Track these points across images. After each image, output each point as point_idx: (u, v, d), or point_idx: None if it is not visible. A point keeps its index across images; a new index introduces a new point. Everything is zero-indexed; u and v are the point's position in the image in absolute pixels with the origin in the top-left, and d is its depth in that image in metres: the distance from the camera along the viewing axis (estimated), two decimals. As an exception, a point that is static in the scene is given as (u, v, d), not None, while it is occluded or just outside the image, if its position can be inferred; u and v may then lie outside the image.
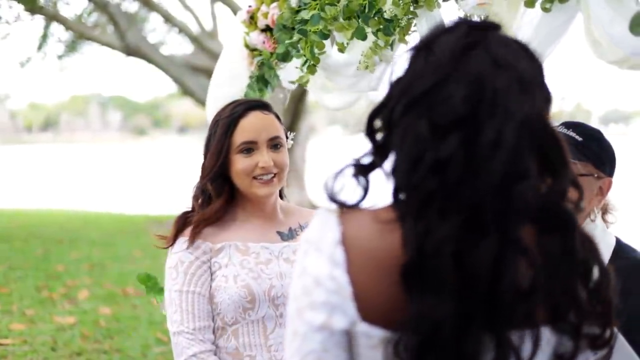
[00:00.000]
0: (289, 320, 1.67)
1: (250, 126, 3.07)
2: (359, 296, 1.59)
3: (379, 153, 1.69)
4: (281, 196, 3.35)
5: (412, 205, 1.58)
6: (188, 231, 3.08)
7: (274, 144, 3.10)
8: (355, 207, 1.69)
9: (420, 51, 1.68)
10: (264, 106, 3.17)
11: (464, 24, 1.69)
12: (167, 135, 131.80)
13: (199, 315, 3.00)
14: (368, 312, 1.59)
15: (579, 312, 1.65)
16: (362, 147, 1.73)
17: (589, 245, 1.70)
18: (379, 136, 1.71)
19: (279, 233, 3.18)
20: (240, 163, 3.05)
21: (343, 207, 1.69)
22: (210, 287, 3.04)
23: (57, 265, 13.01)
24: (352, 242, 1.61)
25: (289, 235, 3.19)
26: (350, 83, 3.84)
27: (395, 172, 1.64)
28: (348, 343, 1.62)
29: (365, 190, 1.70)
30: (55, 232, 17.62)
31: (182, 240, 3.07)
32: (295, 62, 3.93)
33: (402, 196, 1.62)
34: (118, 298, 10.51)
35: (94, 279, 11.79)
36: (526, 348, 1.60)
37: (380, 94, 1.74)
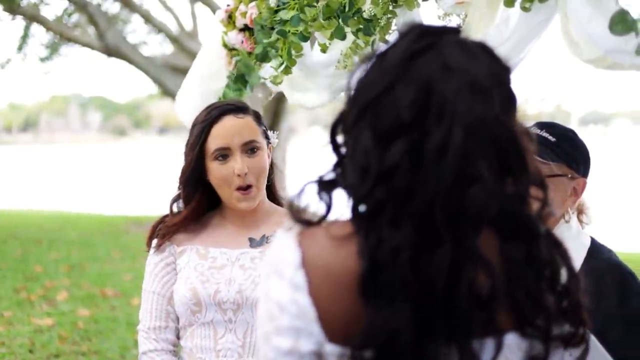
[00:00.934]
0: (258, 343, 1.65)
1: (222, 132, 3.03)
2: (324, 317, 1.57)
3: (342, 167, 1.69)
4: (274, 195, 3.31)
5: (364, 217, 1.57)
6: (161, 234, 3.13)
7: (249, 149, 3.05)
8: (317, 224, 1.67)
9: (377, 59, 1.66)
10: (239, 109, 3.12)
11: (417, 29, 1.66)
12: (147, 136, 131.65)
13: (156, 315, 3.08)
14: (334, 332, 1.57)
15: (546, 317, 1.64)
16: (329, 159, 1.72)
17: (557, 249, 1.69)
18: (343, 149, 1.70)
19: (250, 239, 3.15)
20: (216, 170, 3.03)
21: (305, 225, 1.66)
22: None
23: (36, 266, 12.98)
24: (312, 263, 1.59)
25: (259, 242, 3.15)
26: (329, 82, 3.84)
27: (347, 184, 1.63)
28: None
29: (328, 207, 1.68)
30: (34, 233, 17.58)
31: (154, 243, 3.14)
32: (275, 61, 3.93)
33: (358, 209, 1.61)
34: (97, 299, 10.48)
35: (73, 280, 11.76)
36: (489, 355, 1.60)
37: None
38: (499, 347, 1.59)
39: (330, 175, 1.68)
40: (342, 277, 1.56)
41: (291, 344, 1.57)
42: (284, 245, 1.63)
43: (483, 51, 1.66)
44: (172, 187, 3.18)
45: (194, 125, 3.12)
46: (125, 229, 18.48)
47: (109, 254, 14.46)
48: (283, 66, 3.76)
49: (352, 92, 1.66)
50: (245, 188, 3.03)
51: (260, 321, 1.63)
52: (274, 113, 17.44)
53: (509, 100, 1.64)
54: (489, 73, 1.62)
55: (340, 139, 1.69)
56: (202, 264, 3.06)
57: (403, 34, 1.67)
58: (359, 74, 1.68)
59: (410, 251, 1.51)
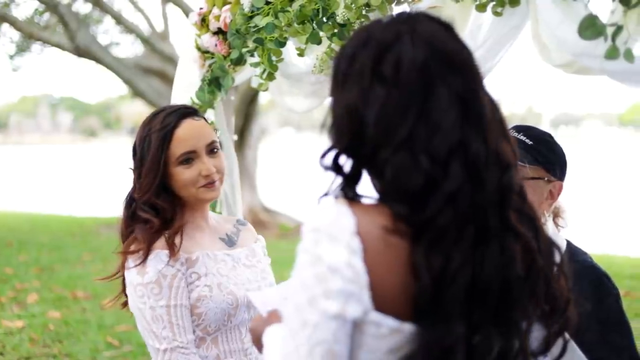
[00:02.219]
0: (293, 312, 1.66)
1: (186, 136, 3.05)
2: (374, 285, 1.61)
3: (351, 182, 1.74)
4: None
5: (425, 237, 1.61)
6: (159, 244, 2.99)
7: (211, 149, 3.10)
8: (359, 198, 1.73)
9: (373, 81, 1.69)
10: (194, 112, 3.16)
11: (404, 37, 1.69)
12: (117, 137, 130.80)
13: (189, 328, 2.96)
14: (382, 301, 1.61)
15: (548, 295, 1.73)
16: (317, 155, 1.75)
17: (544, 229, 1.79)
18: (346, 166, 1.74)
19: (221, 239, 3.21)
20: (182, 174, 3.04)
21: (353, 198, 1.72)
22: (189, 298, 2.99)
23: (6, 268, 12.86)
24: (367, 233, 1.63)
25: (229, 242, 3.22)
26: (314, 89, 3.87)
27: (391, 203, 1.66)
28: (353, 333, 1.64)
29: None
30: (4, 235, 17.43)
31: (161, 254, 2.98)
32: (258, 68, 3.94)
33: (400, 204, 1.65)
34: (67, 302, 10.41)
35: (43, 282, 11.67)
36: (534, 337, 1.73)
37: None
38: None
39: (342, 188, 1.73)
40: (398, 251, 1.61)
41: (339, 307, 1.59)
42: (338, 211, 1.66)
43: (446, 28, 1.76)
44: (125, 200, 3.14)
45: (147, 134, 3.09)
46: (96, 231, 18.38)
47: (79, 256, 14.36)
48: (266, 73, 3.79)
49: (374, 127, 1.68)
50: (212, 183, 3.07)
51: (304, 286, 1.64)
52: (245, 115, 17.41)
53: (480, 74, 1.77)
54: (469, 53, 1.74)
55: (343, 160, 1.75)
56: (221, 268, 3.07)
57: (391, 45, 1.70)
58: (356, 98, 1.71)
59: (470, 266, 1.58)
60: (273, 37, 3.66)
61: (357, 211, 1.65)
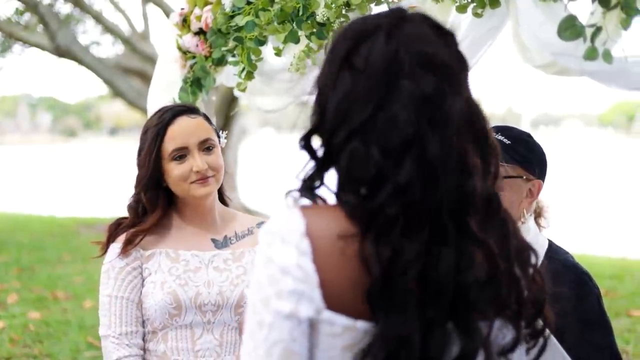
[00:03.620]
0: (250, 312, 1.68)
1: (178, 132, 3.08)
2: (325, 284, 1.62)
3: (320, 169, 1.75)
4: (223, 201, 3.36)
5: (373, 228, 1.62)
6: (121, 238, 3.10)
7: (206, 147, 3.11)
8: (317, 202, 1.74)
9: (343, 67, 1.71)
10: (191, 110, 3.18)
11: (381, 30, 1.70)
12: (97, 137, 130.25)
13: (126, 321, 3.05)
14: (333, 300, 1.62)
15: (519, 297, 1.72)
16: (297, 154, 1.76)
17: (520, 234, 1.78)
18: (319, 151, 1.75)
19: (213, 240, 3.20)
20: (174, 170, 3.06)
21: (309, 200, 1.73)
22: (141, 292, 3.07)
23: (-15, 269, 12.82)
24: (317, 233, 1.64)
25: (223, 243, 3.21)
26: (287, 87, 3.87)
27: (344, 193, 1.69)
28: (310, 333, 1.65)
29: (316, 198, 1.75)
30: (-17, 235, 17.35)
31: (115, 247, 3.09)
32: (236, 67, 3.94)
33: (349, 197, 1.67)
34: (47, 302, 10.38)
35: (23, 283, 11.63)
36: (499, 338, 1.71)
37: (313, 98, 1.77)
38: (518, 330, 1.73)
39: (310, 179, 1.75)
40: (348, 250, 1.62)
41: (292, 307, 1.61)
42: (289, 215, 1.68)
43: (439, 34, 1.74)
44: (123, 188, 3.19)
45: (145, 131, 3.14)
46: (76, 231, 18.29)
47: (59, 257, 14.31)
48: (245, 72, 3.79)
49: (334, 110, 1.70)
50: (205, 180, 3.07)
51: (258, 287, 1.66)
52: (226, 115, 17.38)
53: (469, 85, 1.75)
54: (456, 60, 1.73)
55: (316, 147, 1.75)
56: (177, 267, 3.09)
57: (366, 36, 1.71)
58: (326, 82, 1.73)
59: (422, 260, 1.58)
60: (253, 35, 3.66)
61: (309, 214, 1.67)
